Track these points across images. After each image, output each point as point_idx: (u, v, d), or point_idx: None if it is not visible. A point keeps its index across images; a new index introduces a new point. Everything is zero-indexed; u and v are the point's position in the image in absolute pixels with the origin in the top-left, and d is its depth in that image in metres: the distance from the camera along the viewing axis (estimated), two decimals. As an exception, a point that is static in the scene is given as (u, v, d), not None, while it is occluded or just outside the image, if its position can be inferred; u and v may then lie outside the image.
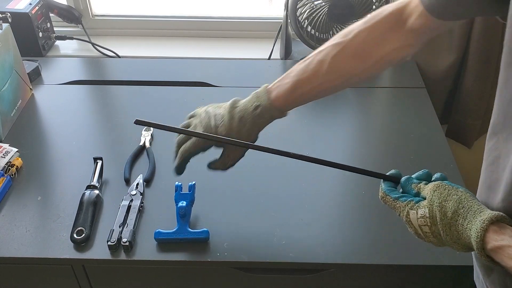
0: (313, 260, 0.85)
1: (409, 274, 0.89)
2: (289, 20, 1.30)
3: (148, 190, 0.97)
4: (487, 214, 0.55)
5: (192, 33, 1.50)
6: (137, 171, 1.00)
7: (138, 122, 0.77)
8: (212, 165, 0.83)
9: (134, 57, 1.42)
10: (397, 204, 0.64)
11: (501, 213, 0.55)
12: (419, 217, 0.61)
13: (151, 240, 0.87)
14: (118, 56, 1.41)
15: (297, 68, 0.78)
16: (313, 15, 1.28)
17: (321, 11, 1.27)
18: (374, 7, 1.24)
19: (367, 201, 0.96)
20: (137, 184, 0.96)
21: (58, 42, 1.46)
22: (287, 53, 1.37)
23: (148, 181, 0.98)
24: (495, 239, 0.53)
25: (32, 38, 1.34)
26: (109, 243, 0.84)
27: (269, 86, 0.78)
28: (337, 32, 1.32)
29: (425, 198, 0.62)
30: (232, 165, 0.82)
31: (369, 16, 0.74)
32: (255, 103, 0.78)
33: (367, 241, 0.88)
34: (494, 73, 1.27)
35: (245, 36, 1.50)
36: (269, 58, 1.39)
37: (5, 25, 1.10)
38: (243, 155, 0.82)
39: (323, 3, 1.26)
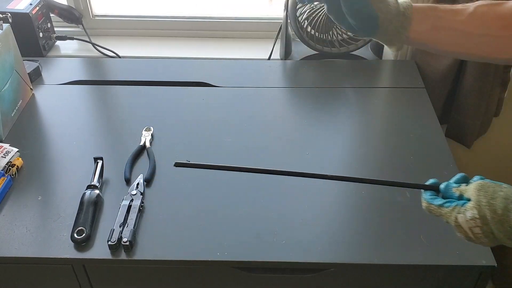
0: (313, 260, 0.85)
1: (409, 274, 0.89)
2: (289, 21, 1.31)
3: (149, 190, 0.97)
4: None
5: (192, 33, 1.51)
6: (138, 171, 1.01)
7: (177, 165, 0.75)
8: None
9: (134, 57, 1.42)
10: (442, 211, 0.63)
11: None
12: (468, 219, 0.60)
13: (152, 240, 0.87)
14: (119, 56, 1.42)
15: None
16: (313, 15, 1.28)
17: (321, 12, 1.27)
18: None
19: (367, 201, 0.96)
20: (138, 184, 0.96)
21: (58, 42, 1.46)
22: (287, 54, 1.37)
23: (148, 181, 0.98)
24: None
25: (32, 38, 1.34)
26: (109, 242, 0.85)
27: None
28: (337, 32, 1.33)
29: (469, 200, 0.61)
30: None
31: None
32: None
33: (367, 241, 0.89)
34: (493, 73, 1.27)
35: (245, 36, 1.50)
36: (269, 58, 1.39)
37: (5, 25, 1.10)
38: None
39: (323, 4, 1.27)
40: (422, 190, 0.68)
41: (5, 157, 0.99)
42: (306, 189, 0.98)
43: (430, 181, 0.68)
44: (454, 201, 0.63)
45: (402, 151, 1.07)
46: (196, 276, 0.91)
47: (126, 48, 1.45)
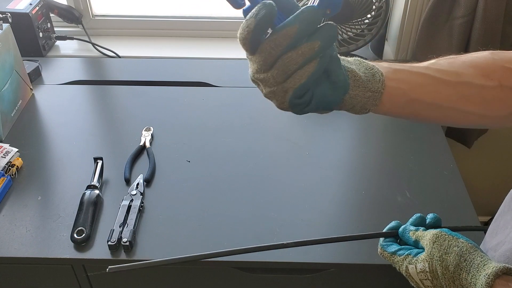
0: (313, 260, 0.85)
1: (409, 274, 0.89)
2: (289, 20, 1.30)
3: (148, 190, 0.97)
4: (492, 268, 0.52)
5: (192, 33, 1.51)
6: (137, 171, 1.01)
7: (112, 269, 0.65)
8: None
9: (134, 57, 1.42)
10: (394, 259, 0.62)
11: (507, 265, 0.52)
12: (418, 271, 0.58)
13: (151, 240, 0.87)
14: (118, 56, 1.42)
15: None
16: (313, 15, 1.28)
17: (321, 11, 1.27)
18: (374, 7, 1.24)
19: (367, 201, 0.96)
20: (137, 184, 0.96)
21: (58, 42, 1.46)
22: (287, 53, 1.37)
23: (148, 181, 0.98)
24: None
25: (32, 38, 1.34)
26: (109, 243, 0.85)
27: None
28: (338, 33, 1.33)
29: (423, 249, 0.59)
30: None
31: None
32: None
33: (367, 241, 0.88)
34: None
35: (245, 36, 1.50)
36: (269, 58, 1.39)
37: (5, 25, 1.10)
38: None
39: (323, 3, 1.26)
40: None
41: (5, 157, 0.99)
42: (306, 189, 0.97)
43: (391, 224, 0.66)
44: (407, 250, 0.61)
45: (402, 151, 1.07)
46: (196, 276, 0.91)
47: (126, 48, 1.45)
